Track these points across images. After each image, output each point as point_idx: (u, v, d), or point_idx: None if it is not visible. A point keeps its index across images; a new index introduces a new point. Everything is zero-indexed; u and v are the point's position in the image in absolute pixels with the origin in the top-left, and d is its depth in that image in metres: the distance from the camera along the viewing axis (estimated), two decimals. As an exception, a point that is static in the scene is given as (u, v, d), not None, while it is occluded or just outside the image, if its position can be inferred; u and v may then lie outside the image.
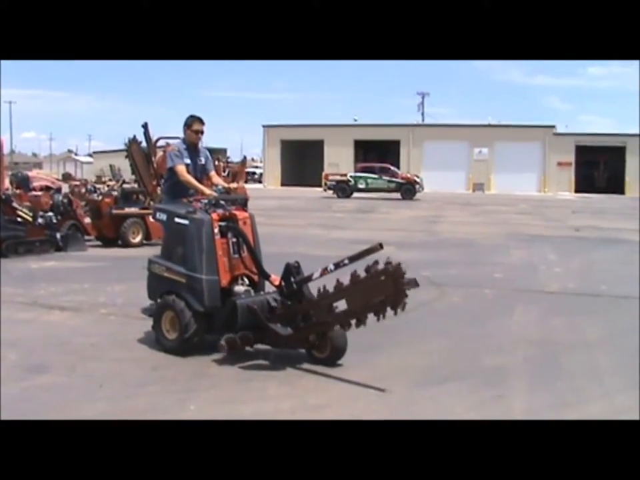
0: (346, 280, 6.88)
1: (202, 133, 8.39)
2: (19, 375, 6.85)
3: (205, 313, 7.48)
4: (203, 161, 8.47)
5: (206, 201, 7.81)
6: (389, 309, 6.52)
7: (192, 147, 8.37)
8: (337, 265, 6.90)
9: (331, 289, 7.02)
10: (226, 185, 8.50)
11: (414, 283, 6.48)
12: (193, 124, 8.32)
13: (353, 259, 6.86)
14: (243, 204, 8.05)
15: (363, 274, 6.68)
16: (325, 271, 7.00)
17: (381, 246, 6.62)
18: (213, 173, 8.62)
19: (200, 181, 8.33)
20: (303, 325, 7.20)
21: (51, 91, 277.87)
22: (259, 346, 7.50)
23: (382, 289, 6.50)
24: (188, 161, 8.25)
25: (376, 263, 6.58)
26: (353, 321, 6.82)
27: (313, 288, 7.34)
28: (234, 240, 7.67)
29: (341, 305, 6.94)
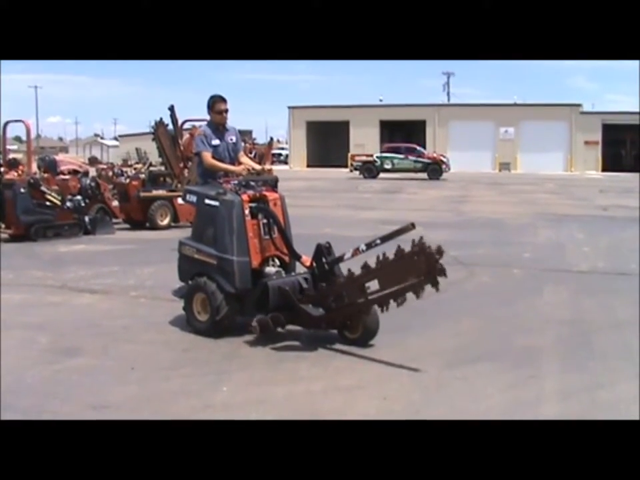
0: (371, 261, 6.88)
1: (226, 111, 8.27)
2: (51, 358, 6.92)
3: (236, 295, 7.48)
4: (234, 139, 8.36)
5: (236, 182, 7.80)
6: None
7: (220, 128, 8.27)
8: (369, 245, 6.87)
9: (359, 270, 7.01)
10: (257, 167, 8.44)
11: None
12: (215, 104, 8.21)
13: (385, 239, 6.82)
14: (273, 185, 8.02)
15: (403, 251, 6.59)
16: (356, 251, 6.98)
17: (413, 226, 6.59)
18: (241, 154, 8.51)
19: (233, 160, 8.30)
20: (335, 306, 7.18)
21: (75, 76, 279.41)
22: (290, 327, 7.51)
23: (416, 270, 6.46)
24: (217, 142, 8.14)
25: (421, 238, 6.51)
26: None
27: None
28: (264, 221, 7.66)
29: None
